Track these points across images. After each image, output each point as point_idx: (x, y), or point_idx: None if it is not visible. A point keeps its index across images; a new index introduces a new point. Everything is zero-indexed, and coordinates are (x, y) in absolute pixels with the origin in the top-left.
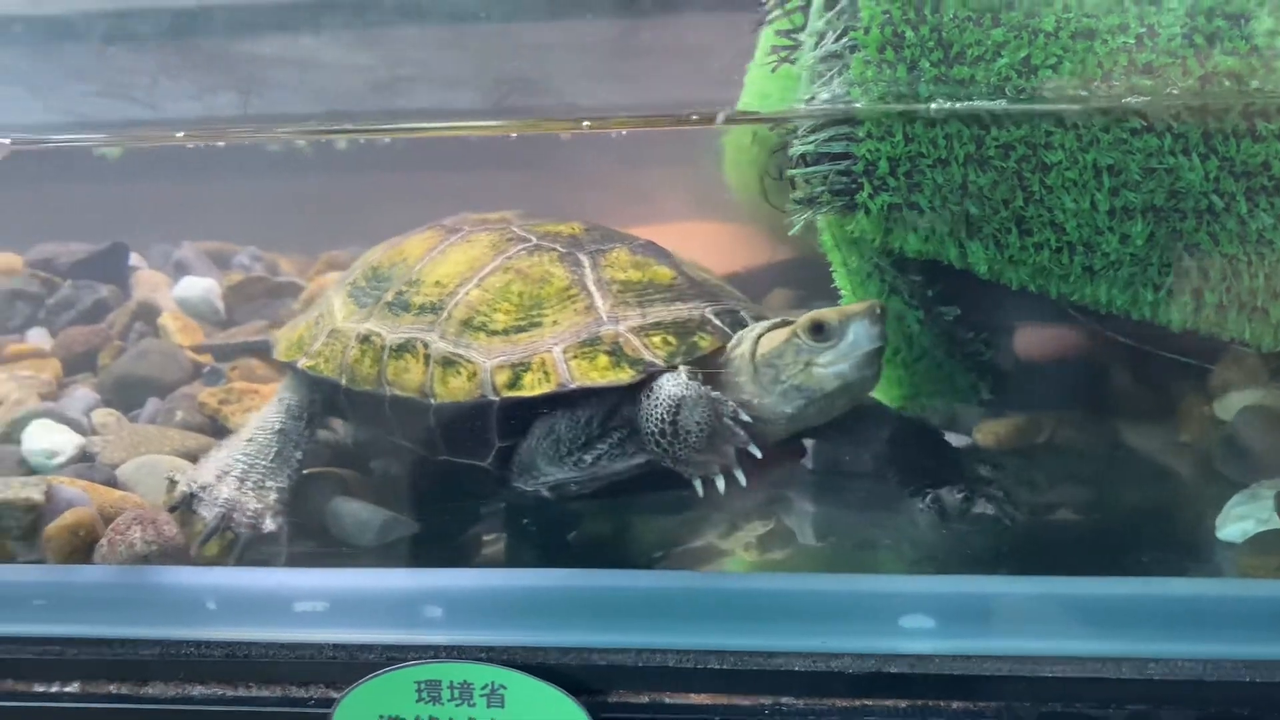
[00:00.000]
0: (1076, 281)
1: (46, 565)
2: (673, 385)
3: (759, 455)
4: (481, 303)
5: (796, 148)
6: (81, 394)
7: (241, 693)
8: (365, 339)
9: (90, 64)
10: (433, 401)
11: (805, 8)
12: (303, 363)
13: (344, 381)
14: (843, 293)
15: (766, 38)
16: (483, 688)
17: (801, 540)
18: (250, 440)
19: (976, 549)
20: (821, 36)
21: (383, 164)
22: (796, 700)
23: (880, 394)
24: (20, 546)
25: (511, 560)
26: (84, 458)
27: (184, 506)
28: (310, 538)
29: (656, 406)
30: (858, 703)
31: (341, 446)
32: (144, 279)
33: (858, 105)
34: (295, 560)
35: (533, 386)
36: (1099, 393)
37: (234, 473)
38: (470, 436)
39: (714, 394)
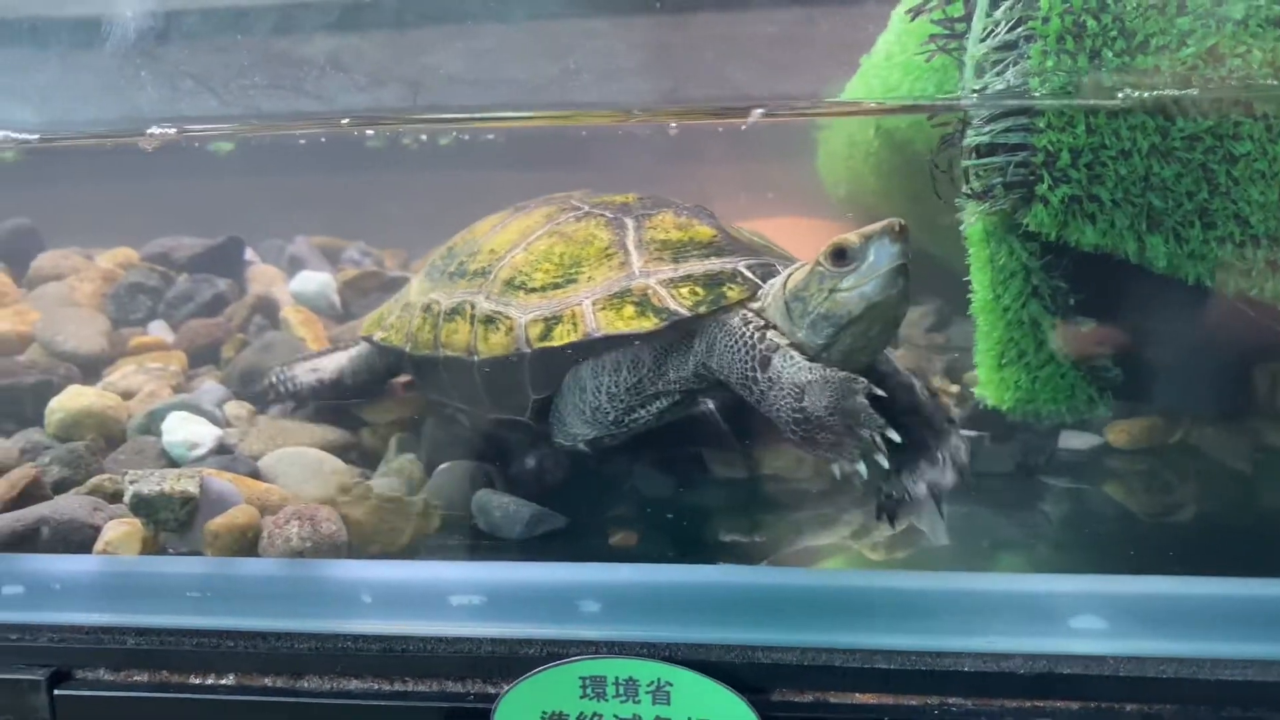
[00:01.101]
0: (1258, 276)
1: (202, 558)
2: (795, 370)
3: (898, 439)
4: (525, 264)
5: (971, 139)
6: (209, 386)
7: (398, 687)
8: (427, 308)
9: (260, 56)
10: (475, 358)
11: None
12: (378, 336)
13: (408, 349)
14: (976, 291)
15: (896, 29)
16: (649, 684)
17: (933, 540)
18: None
19: (1109, 546)
20: (993, 26)
21: (520, 160)
22: (965, 700)
23: (993, 396)
24: (173, 538)
25: (655, 555)
26: (222, 450)
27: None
28: (458, 530)
29: (782, 394)
30: (1028, 704)
31: (475, 439)
32: (259, 273)
33: (1036, 95)
34: (445, 553)
35: (561, 337)
36: (1241, 395)
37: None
38: (509, 390)
39: (842, 375)
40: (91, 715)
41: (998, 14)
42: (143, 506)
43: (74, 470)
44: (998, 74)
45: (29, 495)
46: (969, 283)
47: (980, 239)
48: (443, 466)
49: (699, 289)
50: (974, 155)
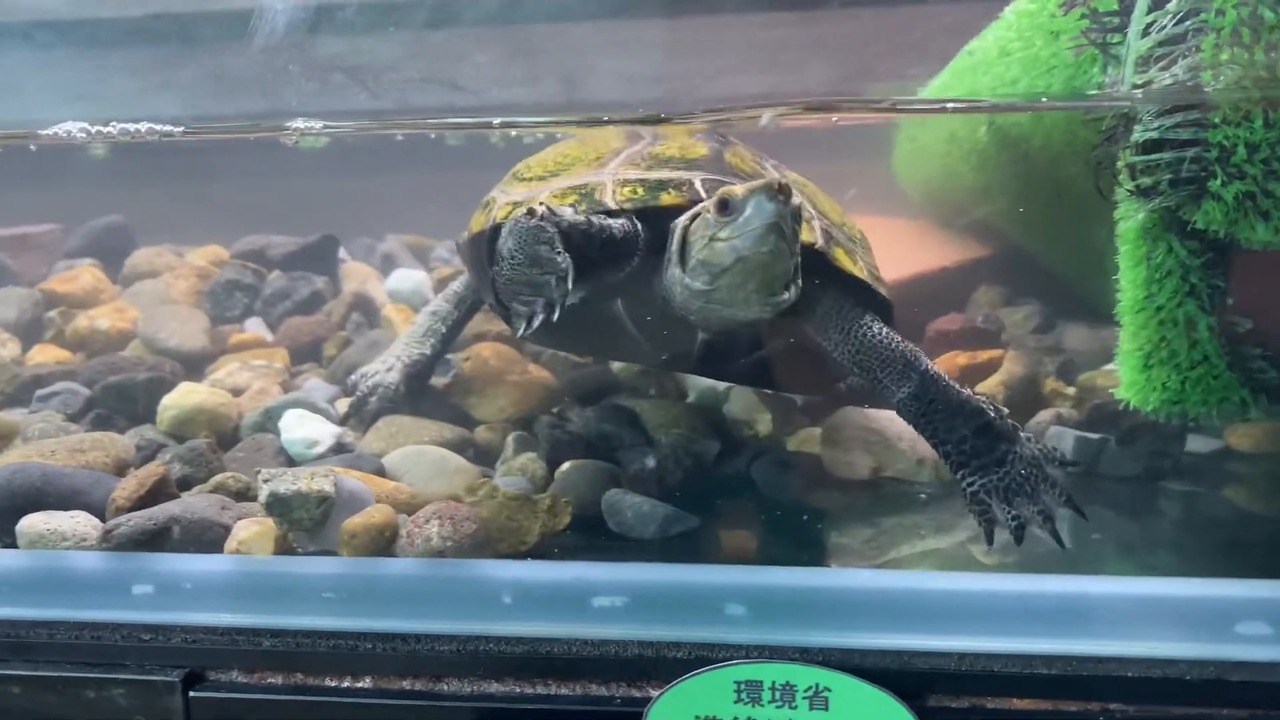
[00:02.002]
0: None
1: (338, 558)
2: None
3: (554, 318)
4: (536, 161)
5: (1138, 134)
6: (314, 384)
7: (540, 690)
8: (485, 204)
9: (413, 49)
10: (470, 234)
11: None
12: (461, 236)
13: (464, 236)
14: (1125, 290)
15: (1015, 25)
16: (806, 690)
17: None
18: (412, 328)
19: (1253, 551)
20: (1159, 20)
21: None
22: (1127, 707)
23: (1136, 397)
24: (305, 538)
25: (782, 556)
26: (340, 448)
27: (351, 392)
28: (587, 530)
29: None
30: (1194, 711)
31: (592, 438)
32: (352, 271)
33: (1207, 90)
34: (575, 553)
35: (507, 211)
36: None
37: (388, 364)
38: (484, 266)
39: (543, 229)
40: (225, 717)
41: (1167, 6)
42: (278, 505)
43: (195, 468)
44: (1163, 68)
45: (156, 493)
46: (1074, 285)
47: (1136, 237)
48: (566, 465)
49: (639, 190)
50: (1140, 151)
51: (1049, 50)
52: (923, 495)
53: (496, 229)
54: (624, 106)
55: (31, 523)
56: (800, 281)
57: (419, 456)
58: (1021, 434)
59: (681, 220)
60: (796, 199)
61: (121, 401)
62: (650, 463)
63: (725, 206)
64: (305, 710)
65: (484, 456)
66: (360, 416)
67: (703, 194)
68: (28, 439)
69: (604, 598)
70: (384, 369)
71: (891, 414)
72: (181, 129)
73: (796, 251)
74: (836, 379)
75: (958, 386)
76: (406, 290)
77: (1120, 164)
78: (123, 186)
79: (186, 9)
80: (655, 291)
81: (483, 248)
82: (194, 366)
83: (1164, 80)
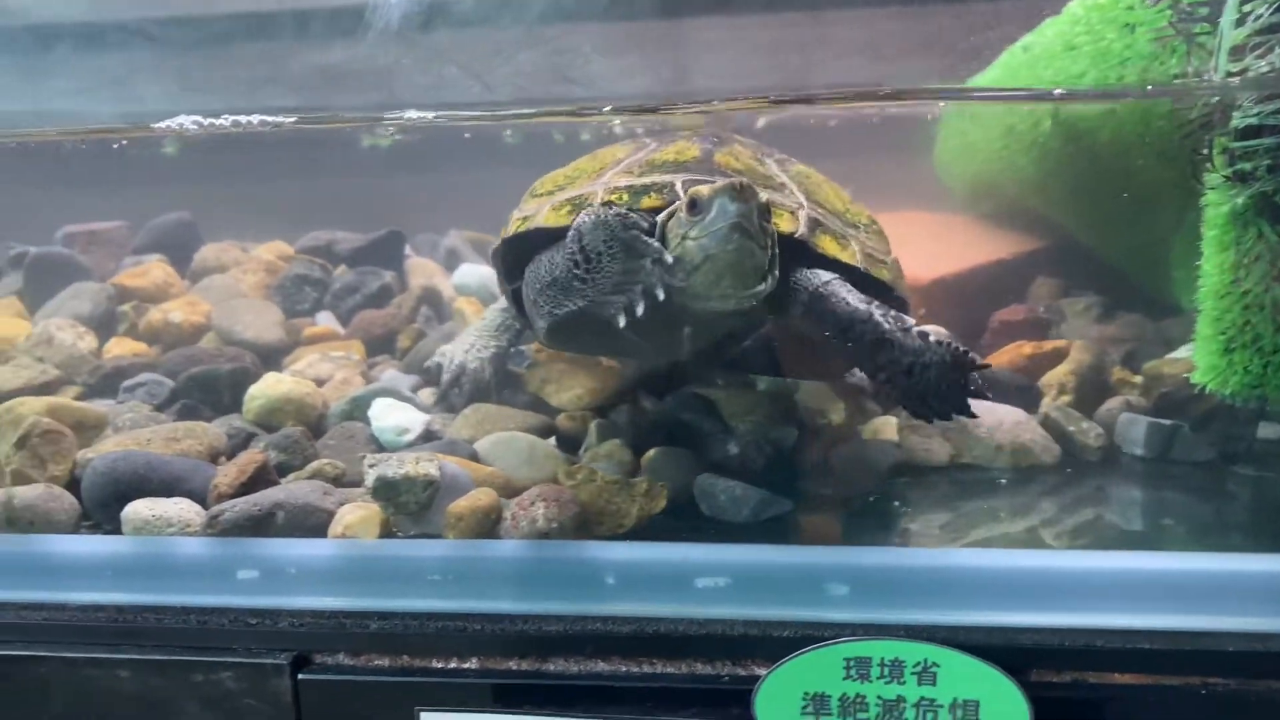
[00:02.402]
0: None
1: (445, 540)
2: (581, 215)
3: (669, 260)
4: (550, 176)
5: (1237, 120)
6: (391, 374)
7: (647, 669)
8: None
9: (527, 41)
10: (491, 248)
11: None
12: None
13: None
14: (1208, 275)
15: (1083, 19)
16: (915, 665)
17: (1126, 526)
18: (484, 320)
19: None
20: (1254, 10)
21: None
22: (1228, 680)
23: (1215, 381)
24: (408, 521)
25: (870, 539)
26: (428, 435)
27: (436, 372)
28: (681, 513)
29: (569, 242)
30: None
31: (673, 425)
32: (417, 266)
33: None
34: (672, 535)
35: (515, 228)
36: None
37: (467, 344)
38: (503, 280)
39: (626, 217)
40: (334, 699)
41: None
42: (385, 489)
43: (291, 455)
44: (1259, 56)
45: (258, 480)
46: (1132, 276)
47: (1226, 222)
48: (653, 451)
49: (625, 196)
50: (1239, 137)
51: (1122, 43)
52: (1001, 481)
53: (508, 243)
54: (732, 94)
55: (136, 509)
56: (776, 272)
57: (509, 443)
58: (931, 339)
59: (661, 217)
60: (763, 196)
61: (206, 392)
62: (733, 449)
63: (694, 206)
64: (412, 692)
65: (566, 443)
66: (450, 400)
67: (681, 195)
68: (119, 428)
69: (707, 578)
70: (470, 355)
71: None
72: (294, 119)
73: (767, 245)
74: (837, 364)
75: (849, 301)
76: (474, 284)
77: (1215, 150)
78: (184, 185)
79: (300, 6)
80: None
81: (499, 263)
82: (270, 358)
83: (1260, 68)
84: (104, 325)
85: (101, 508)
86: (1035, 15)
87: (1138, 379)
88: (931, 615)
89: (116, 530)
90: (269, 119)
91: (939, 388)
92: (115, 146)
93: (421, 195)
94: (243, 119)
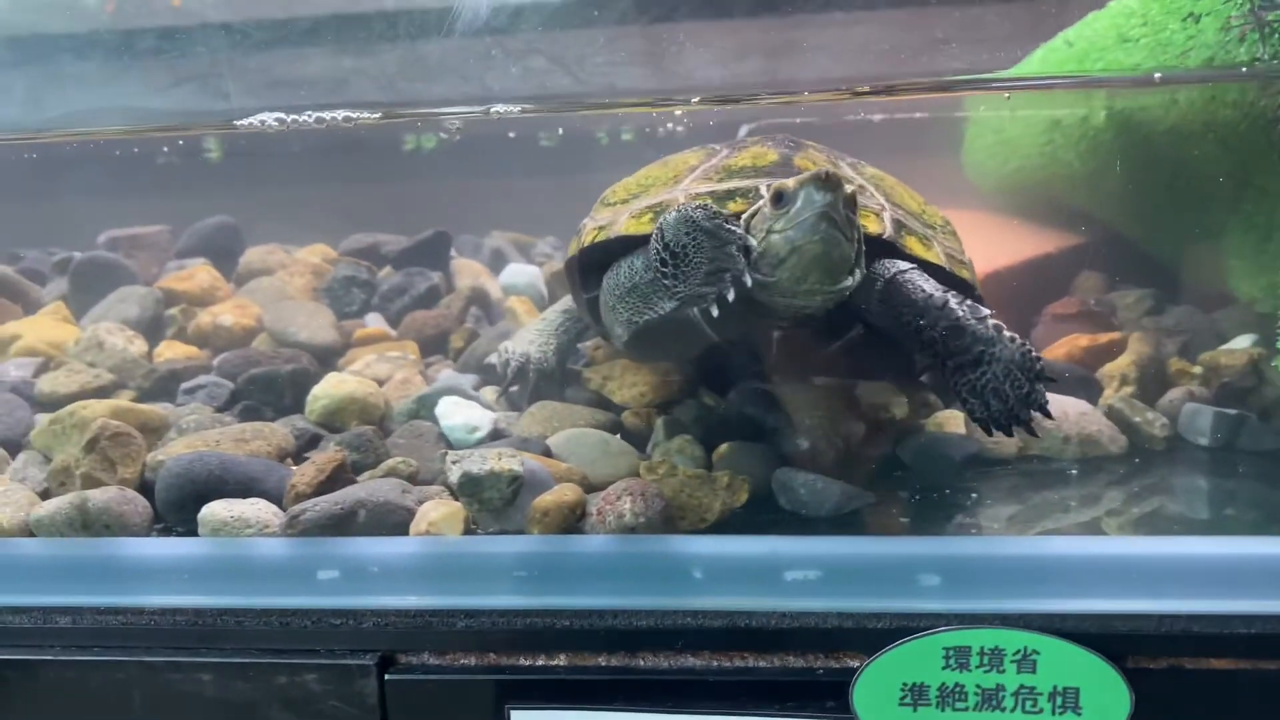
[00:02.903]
0: None
1: (532, 537)
2: (663, 216)
3: (753, 244)
4: (621, 184)
5: None
6: (447, 374)
7: (738, 664)
8: (577, 232)
9: (617, 34)
10: (566, 260)
11: None
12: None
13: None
14: None
15: (1138, 11)
16: (1014, 653)
17: (1194, 514)
18: (544, 320)
19: None
20: None
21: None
22: None
23: None
24: (490, 518)
25: (946, 530)
26: (496, 434)
27: (502, 369)
28: (762, 507)
29: (652, 243)
30: None
31: (739, 421)
32: (463, 267)
33: None
34: (757, 529)
35: (592, 239)
36: None
37: (529, 339)
38: (579, 289)
39: (708, 209)
40: (421, 699)
41: None
42: (470, 485)
43: (364, 454)
44: None
45: (336, 479)
46: (1182, 268)
47: None
48: (724, 446)
49: (707, 199)
50: None
51: (1185, 34)
52: (1071, 471)
53: (585, 252)
54: (821, 84)
55: (213, 510)
56: (863, 266)
57: (581, 439)
58: (1005, 334)
59: (745, 215)
60: (849, 188)
61: (266, 393)
62: (803, 444)
63: (779, 199)
64: (501, 689)
65: (633, 440)
66: (513, 395)
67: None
68: (183, 430)
69: (797, 570)
70: (534, 348)
71: None
72: (379, 114)
73: (853, 238)
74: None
75: (925, 287)
76: (522, 284)
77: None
78: (220, 191)
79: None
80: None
81: (575, 273)
82: (326, 359)
83: None
84: (152, 329)
85: (176, 510)
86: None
87: (1197, 369)
88: (1026, 604)
89: (191, 532)
90: (353, 115)
91: (1004, 388)
92: (166, 150)
93: (457, 198)
94: (327, 115)
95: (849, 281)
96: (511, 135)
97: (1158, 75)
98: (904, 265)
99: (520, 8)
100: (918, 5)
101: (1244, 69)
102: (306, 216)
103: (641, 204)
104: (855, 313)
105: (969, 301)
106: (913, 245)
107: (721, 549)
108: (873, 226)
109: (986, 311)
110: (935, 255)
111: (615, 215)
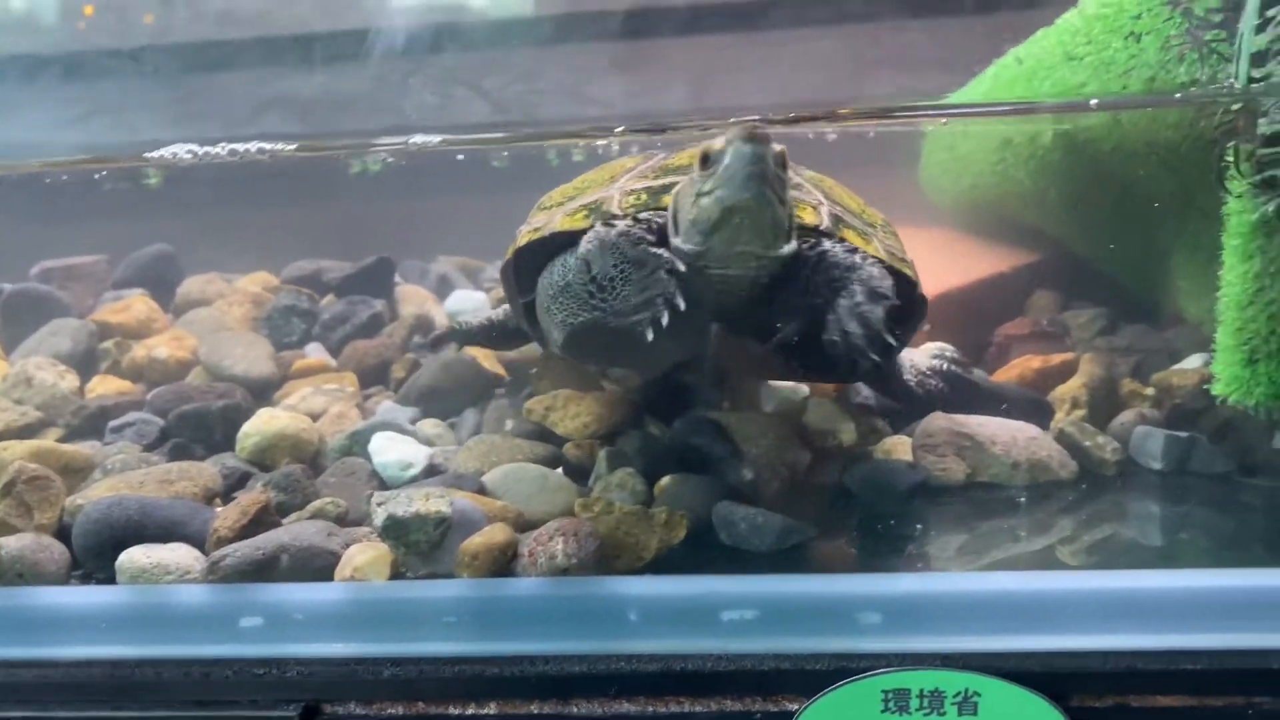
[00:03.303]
0: None
1: (460, 580)
2: (584, 241)
3: (681, 268)
4: (558, 190)
5: (1264, 127)
6: (387, 406)
7: (674, 709)
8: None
9: (540, 65)
10: (500, 263)
11: None
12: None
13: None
14: (1230, 285)
15: (1082, 30)
16: (955, 695)
17: (1145, 541)
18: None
19: None
20: (1275, 15)
21: None
22: (1275, 699)
23: (1237, 393)
24: (418, 562)
25: (889, 564)
26: (431, 470)
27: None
28: (701, 544)
29: (577, 272)
30: None
31: (683, 451)
32: (407, 294)
33: None
34: (695, 567)
35: (527, 238)
36: None
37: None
38: (514, 294)
39: (630, 235)
40: None
41: None
42: (395, 529)
43: (291, 495)
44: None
45: (259, 522)
46: (1134, 287)
47: (1250, 230)
48: (666, 480)
49: (644, 196)
50: (1266, 144)
51: (1127, 53)
52: (1020, 499)
53: (520, 253)
54: (753, 111)
55: (132, 556)
56: (795, 233)
57: (518, 474)
58: (868, 260)
59: (670, 195)
60: (778, 146)
61: (198, 430)
62: (748, 474)
63: (706, 161)
64: None
65: (574, 473)
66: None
67: None
68: (108, 471)
69: (734, 611)
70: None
71: (983, 419)
72: (295, 146)
73: (785, 198)
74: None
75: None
76: (469, 310)
77: (1241, 158)
78: (162, 217)
79: (301, 31)
80: None
81: (510, 277)
82: (261, 393)
83: None
84: (85, 363)
85: (94, 556)
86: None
87: (1149, 391)
88: (968, 642)
89: (110, 580)
90: (267, 146)
91: (861, 315)
92: (96, 177)
93: (405, 222)
94: (240, 147)
95: (784, 248)
96: (460, 157)
97: (1094, 101)
98: (828, 244)
99: (439, 36)
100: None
101: (1185, 90)
102: (250, 241)
103: (578, 203)
104: (793, 302)
105: (861, 252)
106: (851, 237)
107: (657, 590)
108: (809, 218)
109: (864, 254)
110: (874, 249)
111: (550, 217)
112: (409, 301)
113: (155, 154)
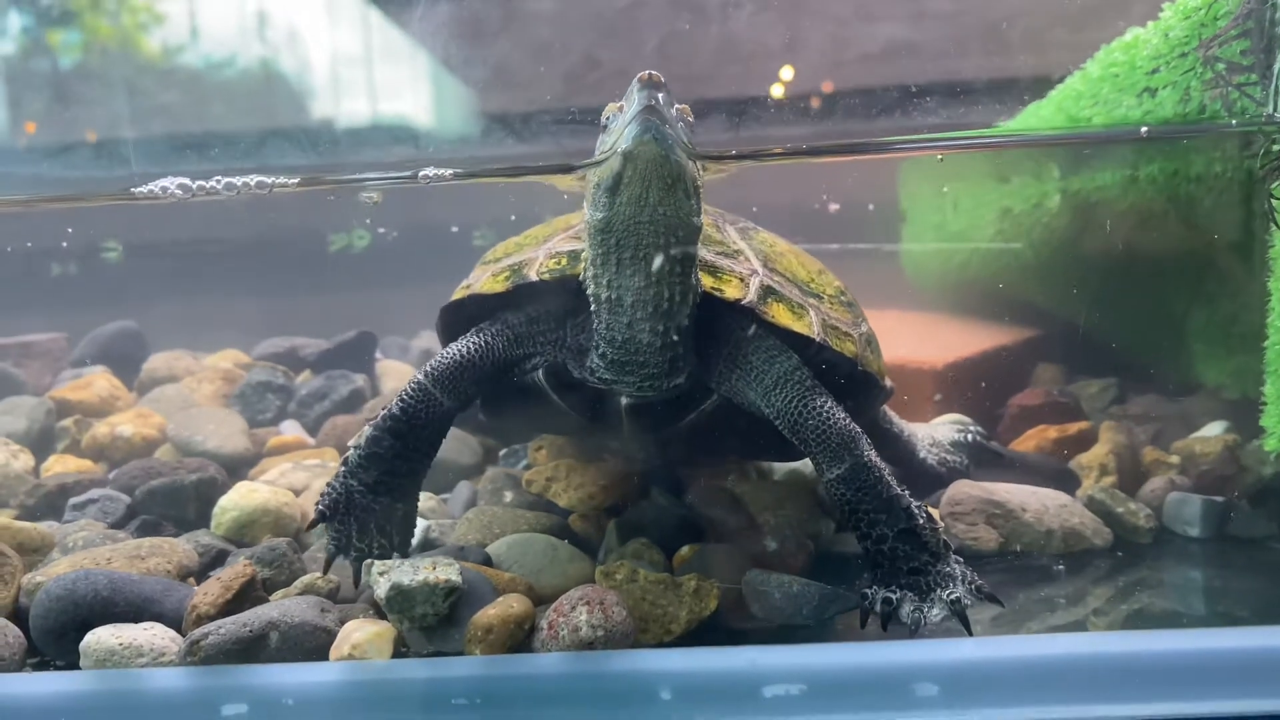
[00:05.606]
0: None
1: (475, 658)
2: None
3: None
4: (504, 243)
5: None
6: None
7: None
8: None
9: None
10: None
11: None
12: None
13: None
14: (1276, 334)
15: (1080, 93)
16: None
17: (1190, 610)
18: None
19: None
20: None
21: None
22: None
23: None
24: (423, 638)
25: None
26: (428, 543)
27: None
28: (732, 615)
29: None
30: None
31: (699, 521)
32: (389, 369)
33: None
34: (726, 639)
35: (459, 294)
36: None
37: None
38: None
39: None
40: None
41: None
42: (399, 600)
43: (277, 570)
44: None
45: (244, 597)
46: (1143, 356)
47: None
48: (685, 549)
49: (564, 260)
50: None
51: (1141, 110)
52: (1057, 567)
53: (446, 311)
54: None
55: (99, 638)
56: (702, 199)
57: (527, 545)
58: (952, 555)
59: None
60: (677, 105)
61: (168, 506)
62: (772, 545)
63: (606, 125)
64: None
65: (582, 545)
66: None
67: None
68: (69, 549)
69: (778, 685)
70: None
71: (1010, 486)
72: (298, 180)
73: (690, 148)
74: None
75: (894, 484)
76: None
77: None
78: (125, 298)
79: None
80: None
81: (440, 335)
82: (235, 470)
83: None
84: (41, 442)
85: (55, 639)
86: None
87: (1174, 458)
88: (1034, 710)
89: (73, 665)
90: (266, 180)
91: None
92: (65, 244)
93: (385, 301)
94: (238, 180)
95: (694, 214)
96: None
97: (1144, 129)
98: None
99: None
100: None
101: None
102: (218, 325)
103: (506, 263)
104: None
105: (920, 504)
106: (778, 313)
107: (692, 664)
108: (733, 292)
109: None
110: (805, 325)
111: (481, 274)
112: (390, 376)
113: (144, 189)
